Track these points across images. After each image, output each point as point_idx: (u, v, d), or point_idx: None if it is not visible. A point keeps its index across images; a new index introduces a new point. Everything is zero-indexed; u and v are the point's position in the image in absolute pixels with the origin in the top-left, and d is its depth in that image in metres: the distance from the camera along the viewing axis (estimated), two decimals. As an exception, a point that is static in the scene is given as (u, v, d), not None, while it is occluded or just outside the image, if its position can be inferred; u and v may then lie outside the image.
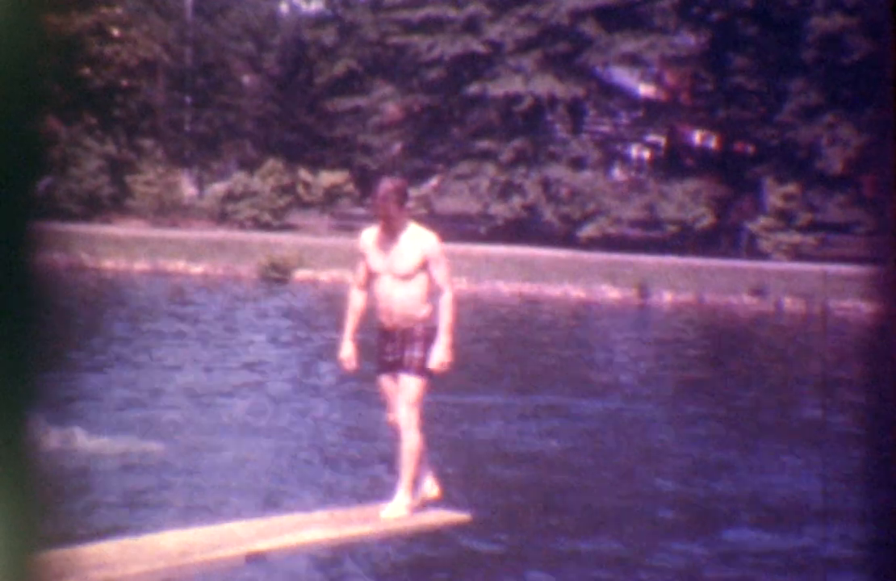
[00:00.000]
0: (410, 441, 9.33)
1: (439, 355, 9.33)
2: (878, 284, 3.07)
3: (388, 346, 9.39)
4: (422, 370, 9.34)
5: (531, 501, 13.36)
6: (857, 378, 22.11)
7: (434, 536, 10.43)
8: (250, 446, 15.31)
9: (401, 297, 9.35)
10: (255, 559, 7.67)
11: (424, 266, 9.36)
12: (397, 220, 9.46)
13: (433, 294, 9.45)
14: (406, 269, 9.34)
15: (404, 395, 9.33)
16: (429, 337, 9.41)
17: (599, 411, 19.85)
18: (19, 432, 3.01)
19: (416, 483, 9.33)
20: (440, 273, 9.43)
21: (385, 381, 9.46)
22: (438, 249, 9.48)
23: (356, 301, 9.73)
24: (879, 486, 3.16)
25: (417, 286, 9.37)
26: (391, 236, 9.44)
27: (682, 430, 18.41)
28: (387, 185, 9.52)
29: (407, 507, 9.23)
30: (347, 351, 9.61)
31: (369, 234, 9.70)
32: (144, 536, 8.09)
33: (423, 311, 9.41)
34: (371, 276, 9.58)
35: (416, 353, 9.33)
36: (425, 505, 9.34)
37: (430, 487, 9.42)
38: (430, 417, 18.17)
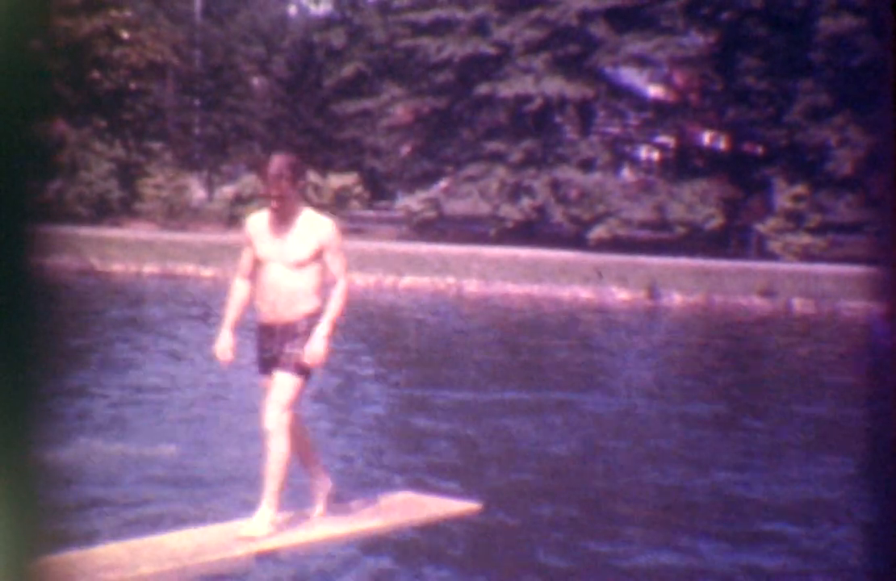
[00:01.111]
0: (278, 448, 8.52)
1: (315, 346, 8.45)
2: (880, 285, 3.06)
3: (268, 342, 8.56)
4: (300, 368, 8.47)
5: (544, 496, 13.35)
6: (861, 379, 22.10)
7: (445, 526, 10.41)
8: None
9: (290, 288, 8.47)
10: (266, 557, 7.67)
11: (319, 255, 8.54)
12: (292, 201, 8.49)
13: (323, 287, 8.70)
14: (300, 256, 8.49)
15: (277, 394, 8.49)
16: (312, 333, 8.55)
17: (612, 410, 19.83)
18: (26, 435, 3.01)
19: (280, 495, 8.56)
20: (337, 263, 8.65)
21: (267, 382, 8.65)
22: (336, 237, 8.72)
23: (239, 291, 8.76)
24: (881, 485, 3.15)
25: (309, 277, 8.54)
26: (284, 220, 8.49)
27: (694, 429, 18.39)
28: (280, 161, 8.56)
29: (270, 523, 8.37)
30: (225, 342, 8.73)
31: (257, 220, 8.70)
32: (155, 537, 8.09)
33: (312, 304, 8.55)
34: (257, 265, 8.63)
35: (296, 349, 8.47)
36: (313, 521, 8.67)
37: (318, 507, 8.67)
38: (441, 412, 18.18)
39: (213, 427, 16.68)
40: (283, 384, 8.46)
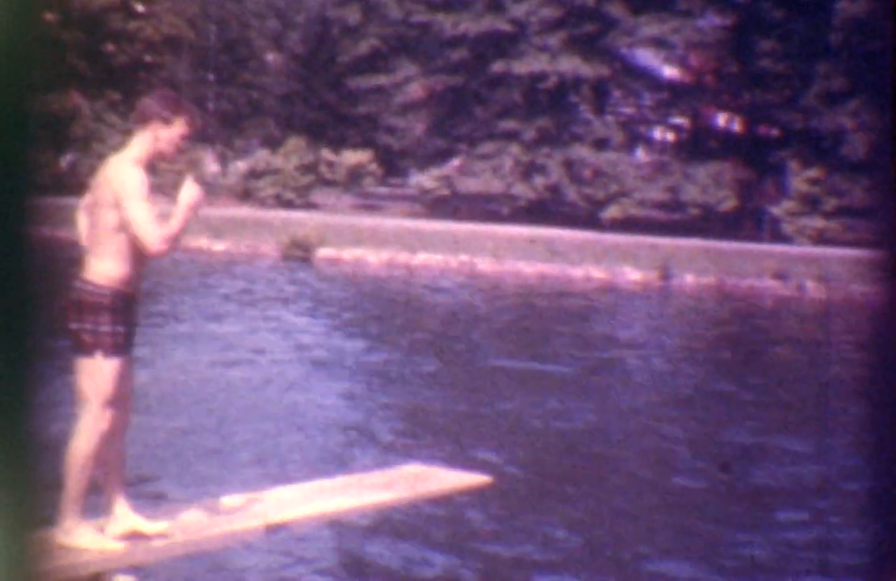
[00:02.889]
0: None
1: None
2: (880, 269, 3.02)
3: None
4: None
5: (559, 472, 13.32)
6: (867, 363, 22.03)
7: (457, 501, 10.38)
8: (269, 420, 15.31)
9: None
10: (276, 530, 7.65)
11: None
12: None
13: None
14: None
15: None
16: None
17: (619, 390, 19.81)
18: (32, 409, 2.98)
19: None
20: None
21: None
22: None
23: None
24: (882, 471, 3.11)
25: None
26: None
27: (705, 412, 18.35)
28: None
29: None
30: None
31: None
32: (162, 508, 8.08)
33: None
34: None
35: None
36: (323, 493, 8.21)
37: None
38: (455, 387, 18.14)
39: (217, 401, 16.67)
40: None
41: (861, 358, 23.68)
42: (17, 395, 3.00)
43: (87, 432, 6.77)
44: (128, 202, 6.75)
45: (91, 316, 6.74)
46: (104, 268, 6.79)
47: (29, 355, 3.01)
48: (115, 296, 6.77)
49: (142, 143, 7.05)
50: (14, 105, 2.95)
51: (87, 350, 6.76)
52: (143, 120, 7.07)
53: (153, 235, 6.69)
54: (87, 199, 7.15)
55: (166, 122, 6.98)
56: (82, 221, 7.13)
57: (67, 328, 6.77)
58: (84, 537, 6.80)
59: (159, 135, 7.01)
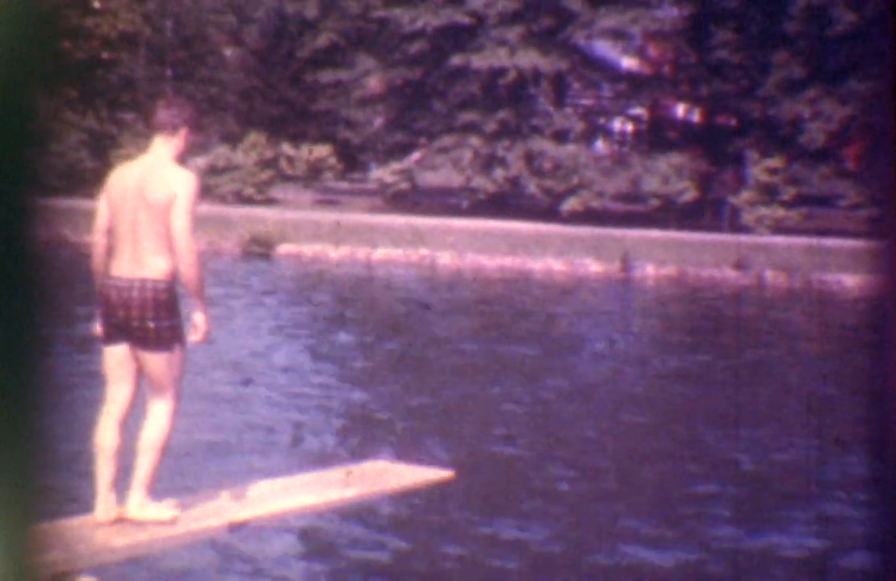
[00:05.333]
0: None
1: None
2: (878, 258, 3.02)
3: None
4: None
5: (517, 465, 13.34)
6: (852, 351, 22.20)
7: (419, 495, 10.39)
8: (229, 418, 15.27)
9: None
10: (239, 528, 7.62)
11: None
12: None
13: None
14: None
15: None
16: None
17: (583, 380, 19.87)
18: (17, 409, 2.96)
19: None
20: None
21: None
22: None
23: None
24: (878, 459, 3.11)
25: None
26: None
27: (667, 401, 18.43)
28: None
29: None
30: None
31: None
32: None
33: None
34: None
35: None
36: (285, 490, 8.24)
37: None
38: (430, 380, 18.11)
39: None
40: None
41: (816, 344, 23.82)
42: (16, 390, 2.99)
43: (169, 418, 7.44)
44: (183, 206, 7.34)
45: (167, 311, 7.34)
46: (166, 264, 7.31)
47: (25, 350, 3.00)
48: (176, 290, 7.39)
49: (172, 148, 7.60)
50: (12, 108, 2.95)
51: (167, 344, 7.37)
52: (174, 126, 7.60)
53: (192, 247, 7.31)
54: (114, 204, 7.57)
55: (193, 127, 7.60)
56: (104, 223, 7.60)
57: (141, 327, 7.32)
58: (161, 510, 7.40)
59: (188, 139, 7.61)
